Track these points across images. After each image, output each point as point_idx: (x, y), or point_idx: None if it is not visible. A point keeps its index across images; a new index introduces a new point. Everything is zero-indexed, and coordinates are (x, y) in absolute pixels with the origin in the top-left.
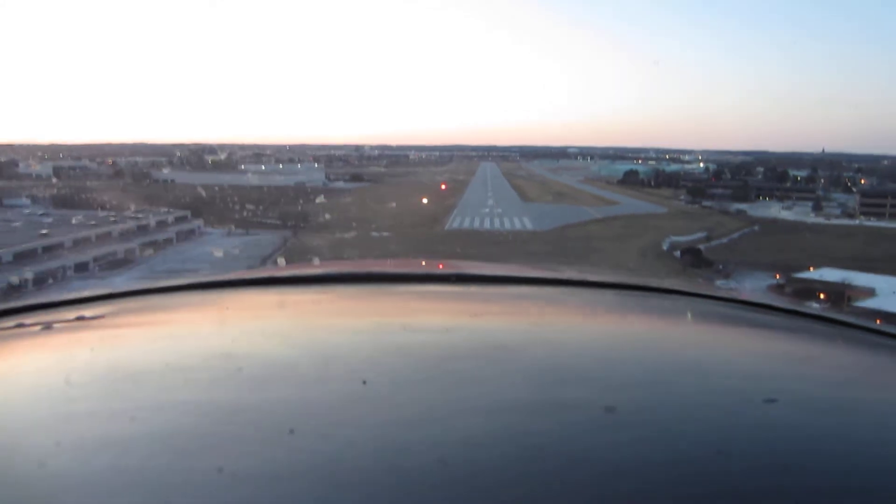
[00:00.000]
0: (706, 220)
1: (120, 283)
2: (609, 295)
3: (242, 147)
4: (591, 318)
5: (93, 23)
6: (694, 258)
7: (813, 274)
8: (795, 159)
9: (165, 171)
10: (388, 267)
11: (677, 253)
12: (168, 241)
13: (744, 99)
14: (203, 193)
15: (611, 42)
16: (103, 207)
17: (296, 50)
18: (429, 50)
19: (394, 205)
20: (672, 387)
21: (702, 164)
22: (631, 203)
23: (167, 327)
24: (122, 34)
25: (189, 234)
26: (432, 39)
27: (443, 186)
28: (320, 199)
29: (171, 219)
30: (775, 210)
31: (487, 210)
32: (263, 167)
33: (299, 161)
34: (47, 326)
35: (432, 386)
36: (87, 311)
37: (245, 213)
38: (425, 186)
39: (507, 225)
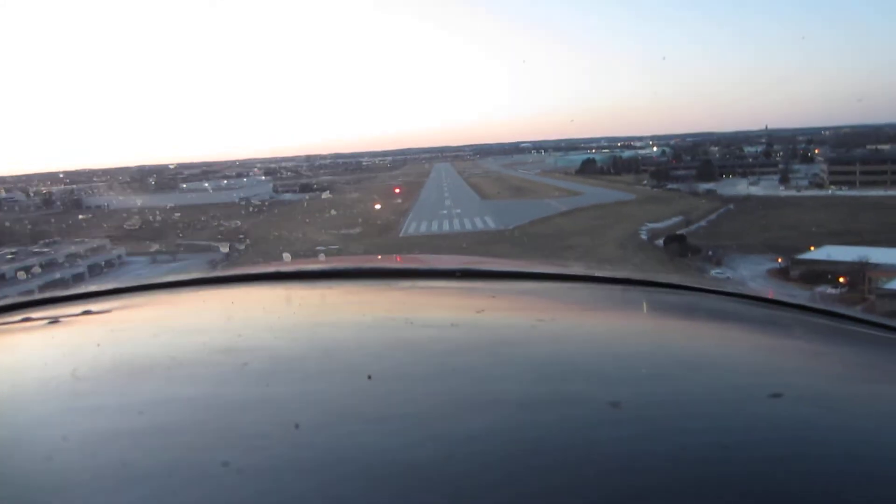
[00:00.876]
0: (677, 203)
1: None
2: (614, 290)
3: (190, 165)
4: (595, 313)
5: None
6: (679, 246)
7: (817, 254)
8: (742, 138)
9: (101, 196)
10: (394, 263)
11: (659, 241)
12: (78, 277)
13: (687, 82)
14: (137, 218)
15: (554, 36)
16: (17, 242)
17: (241, 64)
18: (376, 55)
19: (344, 213)
20: (677, 382)
21: (655, 148)
22: (595, 192)
23: (173, 322)
24: (61, 53)
25: (106, 266)
26: (380, 44)
27: (396, 190)
28: (264, 215)
29: (84, 250)
30: (743, 187)
31: (445, 211)
32: (207, 185)
33: (246, 176)
34: (54, 321)
35: (437, 381)
36: (94, 306)
37: (179, 235)
38: (378, 191)
39: (468, 226)
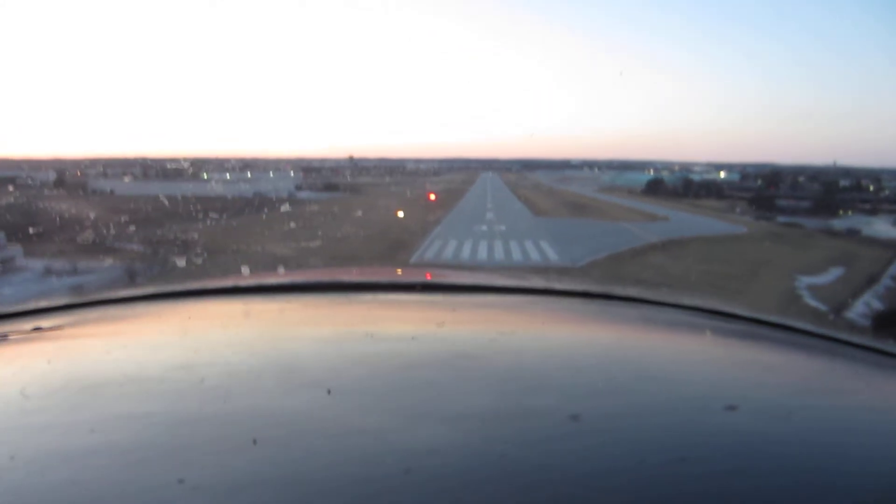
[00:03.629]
0: (816, 245)
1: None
2: (574, 303)
3: (237, 161)
4: (555, 326)
5: (67, 36)
6: None
7: None
8: (809, 171)
9: (91, 181)
10: (354, 276)
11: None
12: None
13: (750, 110)
14: (88, 208)
15: (615, 55)
16: None
17: (297, 65)
18: (430, 65)
19: (358, 216)
20: (636, 394)
21: (722, 174)
22: (683, 218)
23: (127, 338)
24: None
25: None
26: (435, 54)
27: (431, 197)
28: (252, 215)
29: None
30: (884, 226)
31: (484, 228)
32: (228, 176)
33: (274, 171)
34: (3, 337)
35: (397, 394)
36: (45, 322)
37: (119, 233)
38: (409, 197)
39: (516, 254)
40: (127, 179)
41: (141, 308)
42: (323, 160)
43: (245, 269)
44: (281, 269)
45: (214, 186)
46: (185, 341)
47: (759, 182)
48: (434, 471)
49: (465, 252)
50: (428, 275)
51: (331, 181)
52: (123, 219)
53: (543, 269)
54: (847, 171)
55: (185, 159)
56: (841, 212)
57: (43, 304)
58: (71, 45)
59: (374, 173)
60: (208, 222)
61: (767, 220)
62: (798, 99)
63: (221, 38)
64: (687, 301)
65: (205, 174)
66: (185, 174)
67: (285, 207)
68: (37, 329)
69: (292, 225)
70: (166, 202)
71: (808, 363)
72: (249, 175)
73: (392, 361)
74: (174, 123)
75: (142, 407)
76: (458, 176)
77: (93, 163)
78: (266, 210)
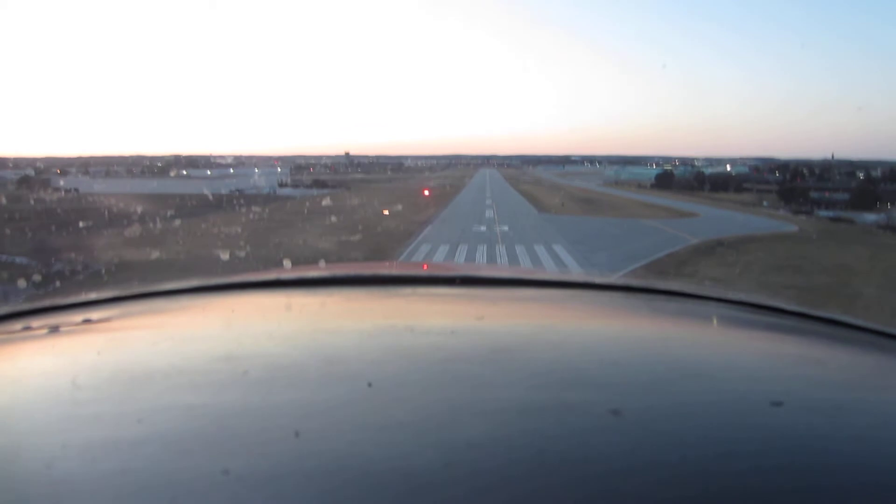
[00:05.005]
0: (889, 246)
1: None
2: (614, 297)
3: (231, 157)
4: (596, 320)
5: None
6: None
7: None
8: (805, 165)
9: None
10: (394, 269)
11: None
12: None
13: (748, 105)
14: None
15: (613, 52)
16: None
17: (295, 62)
18: (428, 62)
19: (330, 214)
20: (678, 389)
21: (728, 167)
22: (716, 214)
23: (173, 330)
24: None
25: None
26: (433, 51)
27: (425, 193)
28: (220, 212)
29: None
30: None
31: (483, 228)
32: (209, 172)
33: (265, 167)
34: (54, 329)
35: (437, 388)
36: (94, 314)
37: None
38: (402, 193)
39: (524, 259)
40: (94, 177)
41: (186, 301)
42: (319, 157)
43: (287, 263)
44: (322, 263)
45: (190, 183)
46: (228, 334)
47: (779, 174)
48: (474, 464)
49: (461, 258)
50: (466, 269)
51: (321, 178)
52: (39, 222)
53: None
54: (849, 164)
55: (177, 156)
56: (880, 204)
57: (92, 296)
58: (65, 45)
59: (371, 170)
60: (143, 223)
61: (807, 214)
62: (796, 94)
63: (219, 36)
64: (731, 295)
65: (185, 171)
66: (167, 171)
67: (253, 206)
68: (86, 321)
69: (237, 230)
70: (113, 203)
71: (857, 358)
72: (232, 171)
73: (432, 355)
74: (172, 122)
75: (187, 398)
76: (456, 172)
77: (85, 161)
78: (226, 209)
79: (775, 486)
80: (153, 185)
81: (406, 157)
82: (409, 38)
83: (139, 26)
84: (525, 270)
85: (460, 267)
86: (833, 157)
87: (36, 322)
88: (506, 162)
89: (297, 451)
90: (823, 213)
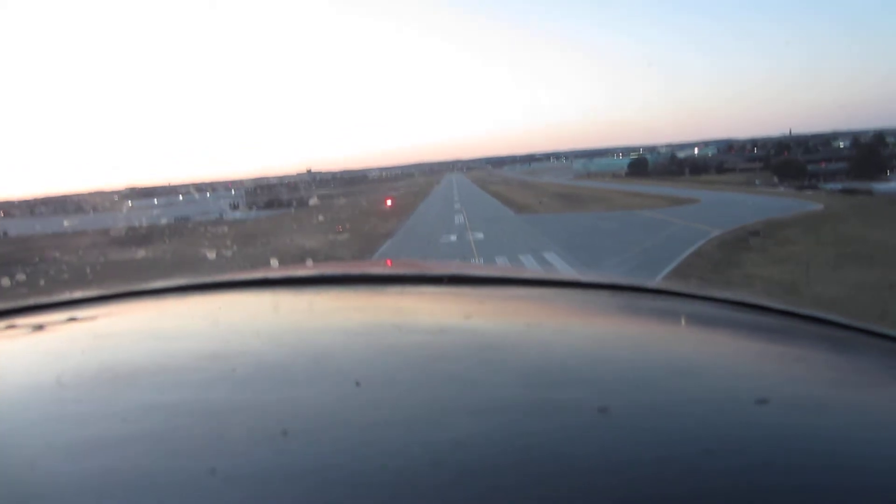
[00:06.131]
0: None
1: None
2: (602, 296)
3: (188, 185)
4: (584, 318)
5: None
6: None
7: None
8: (762, 143)
9: None
10: (382, 268)
11: None
12: None
13: (703, 90)
14: None
15: (571, 49)
16: None
17: (252, 84)
18: (387, 72)
19: (270, 243)
20: (664, 387)
21: (696, 150)
22: (717, 198)
23: (159, 328)
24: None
25: None
26: (392, 61)
27: (388, 203)
28: (153, 243)
29: None
30: None
31: (454, 238)
32: (156, 201)
33: (219, 191)
34: (39, 327)
35: (425, 387)
36: (79, 313)
37: None
38: (362, 206)
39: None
40: (38, 217)
41: (172, 300)
42: (282, 177)
43: (274, 262)
44: (309, 262)
45: (137, 214)
46: (215, 332)
47: (759, 151)
48: (461, 463)
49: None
50: (454, 268)
51: (278, 197)
52: None
53: None
54: (805, 138)
55: (132, 189)
56: (883, 172)
57: (78, 295)
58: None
59: (333, 185)
60: (42, 263)
61: (812, 189)
62: (747, 73)
63: (176, 66)
64: (716, 293)
65: (130, 203)
66: (121, 205)
67: (185, 233)
68: (72, 320)
69: (140, 263)
70: (33, 244)
71: (842, 356)
72: (182, 198)
73: (420, 353)
74: (129, 154)
75: (173, 397)
76: (422, 179)
77: (35, 202)
78: (154, 239)
79: (760, 483)
80: (92, 220)
81: (370, 170)
82: (368, 51)
83: (97, 58)
84: (513, 269)
85: (449, 266)
86: (791, 132)
87: (20, 321)
88: (471, 165)
89: (285, 450)
90: (830, 185)
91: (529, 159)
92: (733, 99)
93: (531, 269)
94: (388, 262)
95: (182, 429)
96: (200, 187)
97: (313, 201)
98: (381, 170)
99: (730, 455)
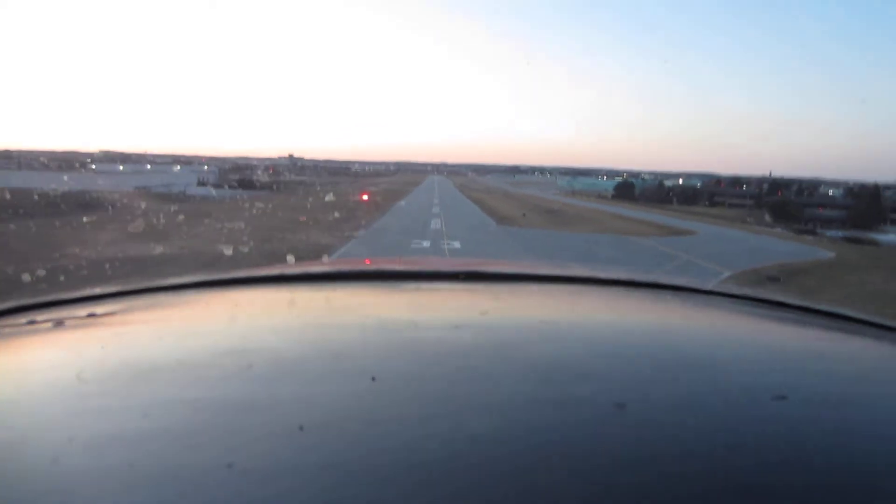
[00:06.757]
0: None
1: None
2: (619, 292)
3: (175, 157)
4: (600, 315)
5: None
6: None
7: None
8: (745, 181)
9: None
10: (398, 265)
11: None
12: None
13: (691, 124)
14: None
15: (565, 68)
16: None
17: (242, 66)
18: (380, 68)
19: (223, 227)
20: (682, 383)
21: (680, 181)
22: (717, 233)
23: (178, 324)
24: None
25: None
26: (386, 58)
27: (364, 197)
28: (89, 213)
29: None
30: None
31: (427, 244)
32: (121, 167)
33: (187, 165)
34: (59, 323)
35: (441, 382)
36: (99, 308)
37: None
38: (337, 198)
39: None
40: None
41: (190, 295)
42: (263, 159)
43: (291, 258)
44: (325, 258)
45: (96, 179)
46: (232, 328)
47: (747, 188)
48: (478, 458)
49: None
50: (471, 264)
51: (250, 179)
52: None
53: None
54: (786, 182)
55: (107, 152)
56: (883, 224)
57: (97, 290)
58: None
59: (314, 173)
60: None
61: (812, 234)
62: (731, 112)
63: (166, 34)
64: (734, 290)
65: (94, 166)
66: (85, 166)
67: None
68: (91, 315)
69: (123, 239)
70: None
71: (861, 352)
72: (150, 168)
73: (435, 349)
74: (110, 118)
75: (192, 392)
76: (404, 178)
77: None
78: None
79: (779, 479)
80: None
81: (354, 163)
82: (363, 44)
83: (84, 20)
84: (528, 266)
85: (464, 262)
86: (770, 174)
87: (40, 316)
88: (455, 170)
89: (301, 444)
90: (830, 232)
91: (514, 171)
92: (716, 135)
93: (546, 265)
94: (403, 259)
95: (200, 424)
96: (179, 160)
97: (287, 186)
98: (365, 164)
99: (748, 452)
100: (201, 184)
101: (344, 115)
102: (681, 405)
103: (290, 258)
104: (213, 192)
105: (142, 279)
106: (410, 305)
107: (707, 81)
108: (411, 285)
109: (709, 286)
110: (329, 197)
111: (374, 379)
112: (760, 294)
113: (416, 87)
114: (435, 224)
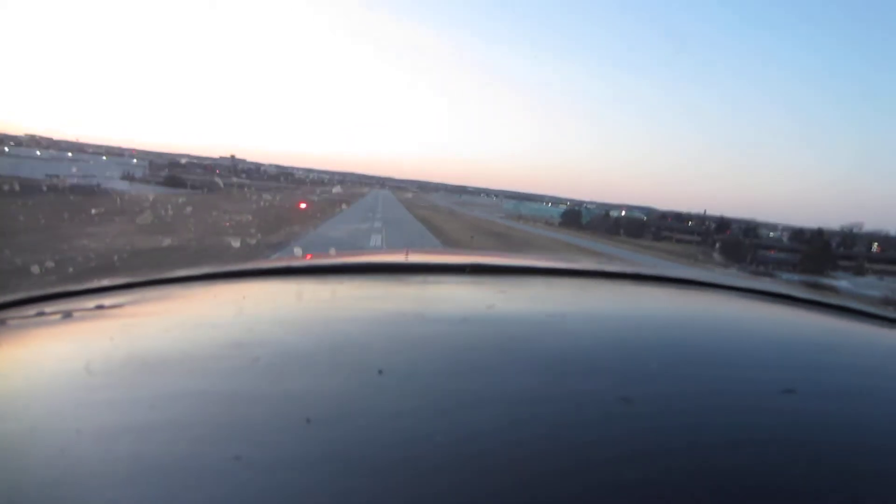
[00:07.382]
0: None
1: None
2: (626, 286)
3: (108, 148)
4: (607, 308)
5: None
6: None
7: None
8: (685, 218)
9: None
10: (404, 258)
11: None
12: None
13: (633, 157)
14: None
15: (508, 91)
16: None
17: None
18: (331, 78)
19: (99, 232)
20: (688, 377)
21: (622, 213)
22: (666, 268)
23: (185, 316)
24: None
25: None
26: (338, 69)
27: (301, 206)
28: None
29: None
30: None
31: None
32: (38, 153)
33: (116, 157)
34: (67, 315)
35: (448, 376)
36: (107, 300)
37: None
38: (272, 203)
39: None
40: None
41: (198, 288)
42: (202, 157)
43: (298, 251)
44: (332, 251)
45: (8, 163)
46: (239, 321)
47: (693, 224)
48: (484, 452)
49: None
50: (477, 257)
51: (180, 177)
52: None
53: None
54: (726, 221)
55: (32, 136)
56: (833, 269)
57: (105, 282)
58: None
59: (255, 176)
60: None
61: (769, 276)
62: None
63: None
64: (742, 283)
65: (6, 149)
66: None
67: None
68: (99, 307)
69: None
70: None
71: (870, 345)
72: (69, 156)
73: (442, 343)
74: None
75: (199, 385)
76: (348, 189)
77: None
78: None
79: (786, 474)
80: None
81: (298, 169)
82: (315, 56)
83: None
84: (534, 259)
85: (471, 255)
86: (705, 212)
87: (49, 308)
88: (401, 185)
89: (308, 437)
90: (786, 276)
91: (461, 191)
92: (655, 171)
93: (552, 259)
94: (410, 251)
95: (207, 416)
96: (112, 151)
97: (219, 187)
98: (309, 171)
99: (756, 446)
100: (125, 178)
101: (291, 122)
102: (688, 399)
103: (298, 250)
104: (130, 187)
105: (150, 271)
106: (417, 299)
107: (649, 118)
108: (418, 278)
109: (717, 280)
110: (265, 201)
111: (380, 372)
112: (768, 287)
113: (365, 101)
114: (374, 240)
